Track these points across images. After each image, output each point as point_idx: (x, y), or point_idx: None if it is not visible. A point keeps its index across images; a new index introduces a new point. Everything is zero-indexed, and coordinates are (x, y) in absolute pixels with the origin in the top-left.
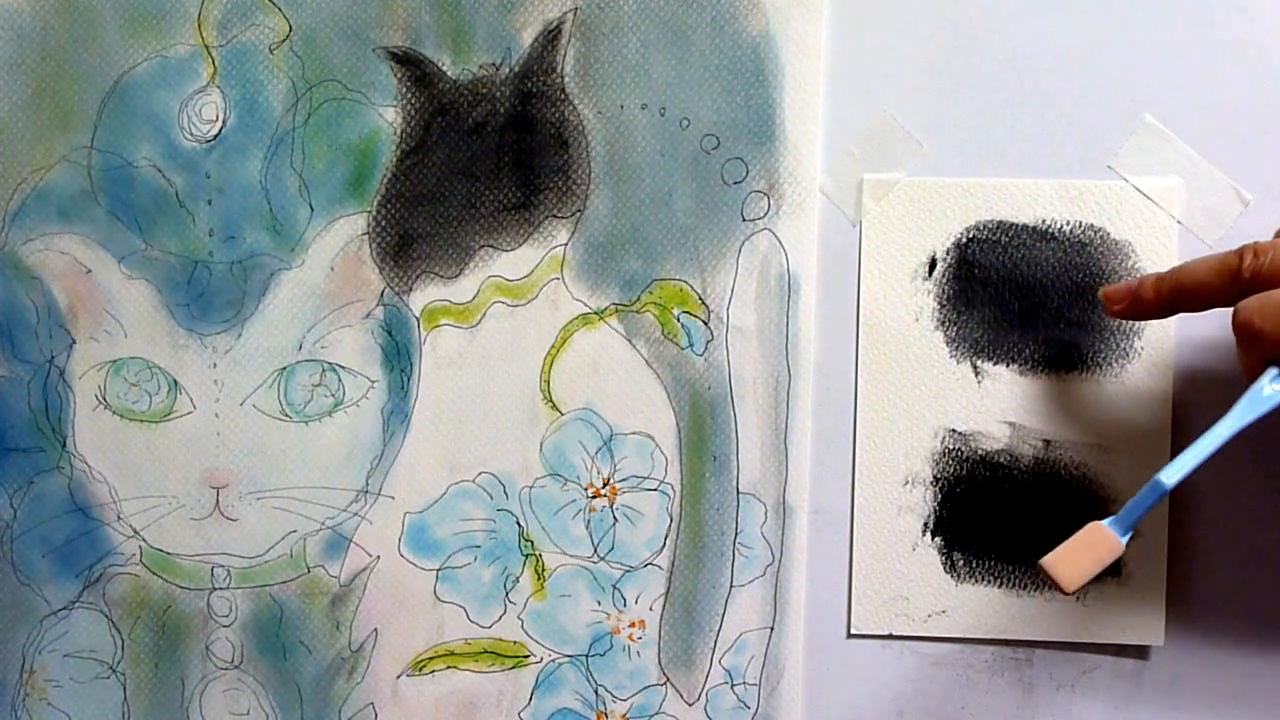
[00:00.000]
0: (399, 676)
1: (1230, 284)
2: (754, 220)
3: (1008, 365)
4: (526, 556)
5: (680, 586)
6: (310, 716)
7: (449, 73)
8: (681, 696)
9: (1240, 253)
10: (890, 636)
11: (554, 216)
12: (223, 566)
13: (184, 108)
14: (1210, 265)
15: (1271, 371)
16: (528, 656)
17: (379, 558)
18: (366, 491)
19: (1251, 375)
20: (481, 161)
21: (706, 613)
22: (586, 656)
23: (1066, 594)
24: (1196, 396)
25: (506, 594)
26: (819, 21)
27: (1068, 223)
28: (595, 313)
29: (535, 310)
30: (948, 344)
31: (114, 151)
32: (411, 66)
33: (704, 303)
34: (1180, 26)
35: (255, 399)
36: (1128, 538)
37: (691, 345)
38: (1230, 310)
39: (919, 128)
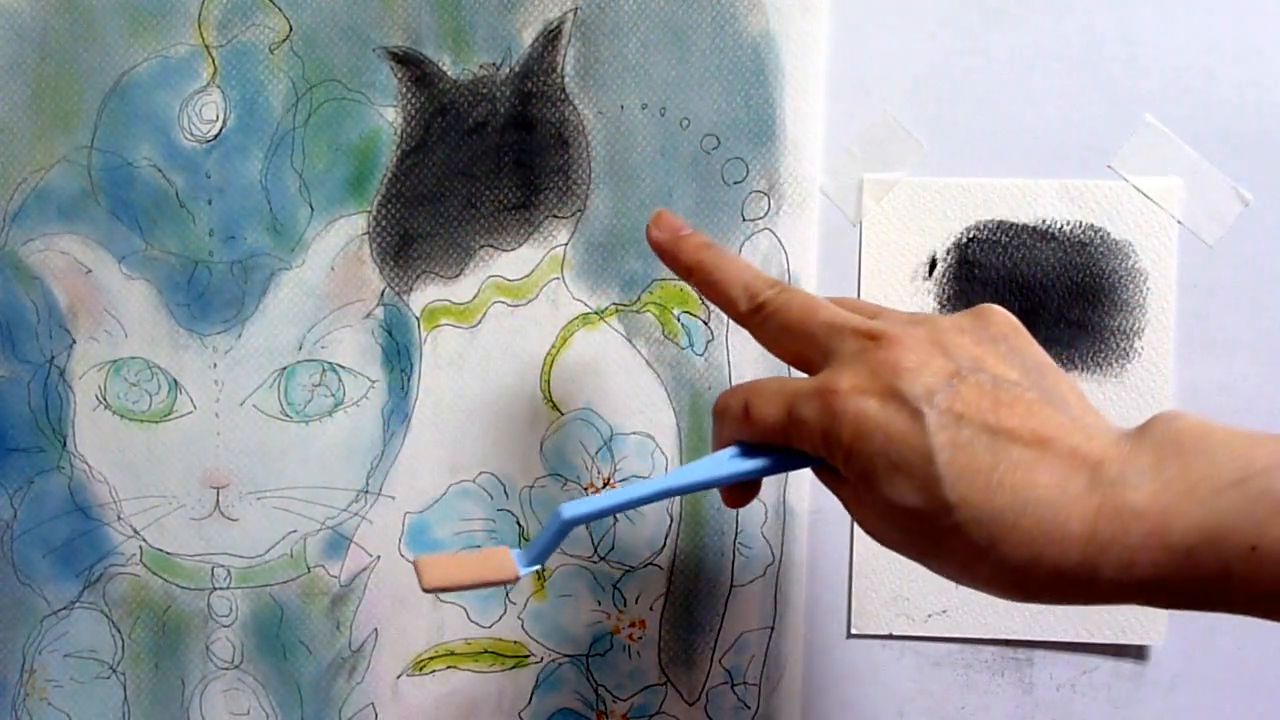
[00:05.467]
0: (399, 676)
1: (746, 302)
2: (754, 220)
3: None
4: None
5: (680, 586)
6: (310, 716)
7: (449, 73)
8: (682, 696)
9: (763, 284)
10: (890, 636)
11: (554, 216)
12: (223, 566)
13: (184, 108)
14: (741, 275)
15: (733, 449)
16: (528, 656)
17: (379, 558)
18: (367, 491)
19: (718, 446)
20: (481, 161)
21: (706, 613)
22: (586, 656)
23: (423, 590)
24: (1196, 396)
25: (506, 594)
26: (819, 21)
27: (1068, 223)
28: (595, 313)
29: (535, 310)
30: None
31: (114, 151)
32: (412, 66)
33: (704, 303)
34: (1180, 26)
35: (255, 399)
36: (532, 569)
37: (692, 345)
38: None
39: (919, 128)
